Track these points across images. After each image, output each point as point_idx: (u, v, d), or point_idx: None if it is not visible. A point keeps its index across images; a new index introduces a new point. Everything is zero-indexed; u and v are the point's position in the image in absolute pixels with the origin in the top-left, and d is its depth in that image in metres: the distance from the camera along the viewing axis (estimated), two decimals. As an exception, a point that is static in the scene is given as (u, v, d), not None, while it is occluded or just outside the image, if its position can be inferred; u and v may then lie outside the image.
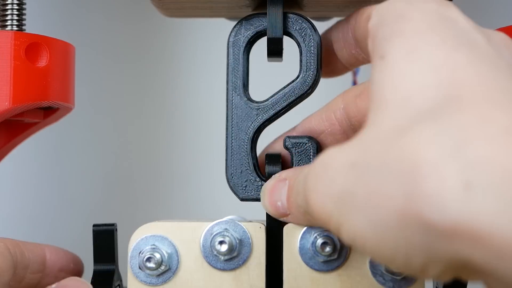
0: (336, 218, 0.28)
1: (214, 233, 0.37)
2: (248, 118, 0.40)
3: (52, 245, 0.40)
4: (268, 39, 0.40)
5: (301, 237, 0.37)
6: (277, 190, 0.35)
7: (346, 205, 0.28)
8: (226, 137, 0.39)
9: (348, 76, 0.50)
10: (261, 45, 0.40)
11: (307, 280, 0.37)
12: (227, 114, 0.40)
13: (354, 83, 0.50)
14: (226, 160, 0.39)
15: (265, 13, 0.39)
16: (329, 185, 0.29)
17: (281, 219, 0.36)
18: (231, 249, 0.36)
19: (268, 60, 0.41)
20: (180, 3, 0.41)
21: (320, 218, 0.29)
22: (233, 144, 0.39)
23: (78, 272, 0.41)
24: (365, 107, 0.37)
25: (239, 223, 0.37)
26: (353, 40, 0.38)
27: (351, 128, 0.39)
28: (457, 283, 0.38)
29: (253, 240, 0.37)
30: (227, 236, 0.36)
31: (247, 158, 0.39)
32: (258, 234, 0.37)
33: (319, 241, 0.36)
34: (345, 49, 0.39)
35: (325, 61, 0.40)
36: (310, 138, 0.39)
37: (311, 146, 0.39)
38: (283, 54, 0.40)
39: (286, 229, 0.37)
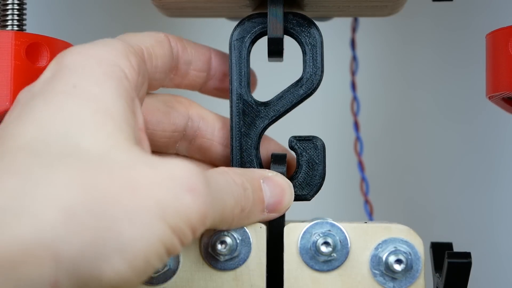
0: None
1: (215, 233, 0.36)
2: (252, 118, 0.39)
3: (217, 49, 0.42)
4: (269, 39, 0.39)
5: (301, 237, 0.37)
6: None
7: None
8: (231, 137, 0.39)
9: (347, 76, 0.50)
10: (262, 45, 0.40)
11: (307, 280, 0.37)
12: (231, 114, 0.39)
13: (353, 83, 0.50)
14: (231, 160, 0.39)
15: (266, 13, 0.39)
16: None
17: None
18: (231, 249, 0.36)
19: (269, 60, 0.41)
20: (181, 3, 0.41)
21: None
22: (237, 144, 0.39)
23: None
24: None
25: (240, 223, 0.37)
26: None
27: None
28: (457, 283, 0.37)
29: (253, 240, 0.37)
30: (228, 236, 0.36)
31: (252, 158, 0.39)
32: (259, 234, 0.37)
33: (320, 241, 0.36)
34: None
35: None
36: (316, 137, 0.39)
37: (317, 146, 0.39)
38: (283, 54, 0.40)
39: (286, 229, 0.37)
